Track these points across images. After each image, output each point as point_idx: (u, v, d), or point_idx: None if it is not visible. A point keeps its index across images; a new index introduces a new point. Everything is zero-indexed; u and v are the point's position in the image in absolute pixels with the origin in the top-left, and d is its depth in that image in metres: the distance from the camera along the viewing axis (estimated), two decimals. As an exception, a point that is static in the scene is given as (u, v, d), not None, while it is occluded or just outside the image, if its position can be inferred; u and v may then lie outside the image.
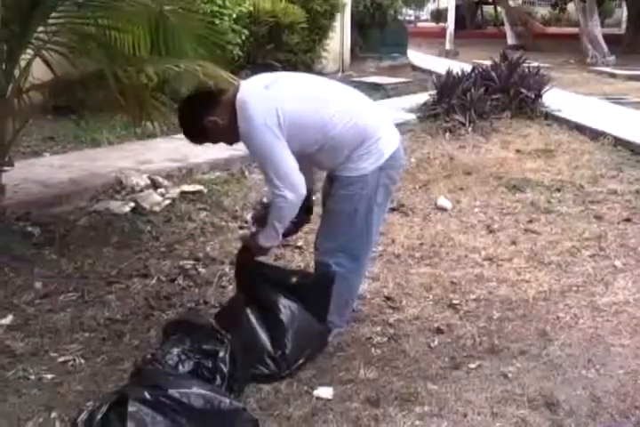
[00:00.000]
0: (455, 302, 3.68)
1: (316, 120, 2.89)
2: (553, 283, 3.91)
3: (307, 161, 2.96)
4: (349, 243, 3.06)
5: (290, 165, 2.82)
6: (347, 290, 3.20)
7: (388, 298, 3.72)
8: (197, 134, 3.00)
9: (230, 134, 2.91)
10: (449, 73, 8.18)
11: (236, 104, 2.83)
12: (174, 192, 5.16)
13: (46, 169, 5.57)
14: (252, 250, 3.07)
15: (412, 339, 3.32)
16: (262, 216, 3.09)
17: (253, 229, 3.28)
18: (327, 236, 3.10)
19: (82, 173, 5.45)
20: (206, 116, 2.86)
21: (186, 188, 5.23)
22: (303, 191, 2.85)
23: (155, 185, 5.23)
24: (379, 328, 3.41)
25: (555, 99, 8.35)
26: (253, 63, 9.14)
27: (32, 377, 3.01)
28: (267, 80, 2.94)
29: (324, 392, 2.88)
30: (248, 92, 2.87)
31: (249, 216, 3.29)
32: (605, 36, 16.08)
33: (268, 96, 2.84)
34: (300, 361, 3.01)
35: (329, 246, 3.09)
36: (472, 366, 3.07)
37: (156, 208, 4.91)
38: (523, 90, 8.01)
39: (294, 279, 3.16)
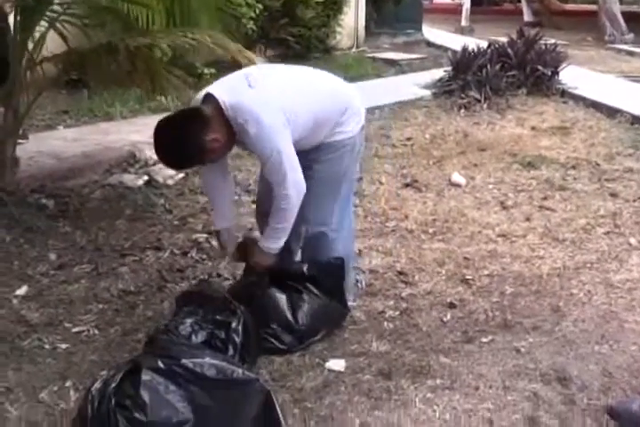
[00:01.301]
0: (468, 277, 3.67)
1: (307, 106, 2.87)
2: (567, 259, 3.89)
3: (300, 146, 2.91)
4: (338, 206, 3.08)
5: (298, 165, 2.80)
6: (342, 250, 3.19)
7: (400, 273, 3.72)
8: (197, 159, 2.78)
9: (228, 146, 2.84)
10: (464, 49, 8.09)
11: (227, 113, 2.68)
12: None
13: (60, 142, 5.58)
14: (258, 260, 3.00)
15: (425, 313, 3.32)
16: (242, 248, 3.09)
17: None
18: (318, 205, 3.02)
19: (95, 146, 5.45)
20: (204, 136, 2.66)
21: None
22: (304, 191, 2.83)
23: (168, 159, 5.22)
24: (391, 302, 3.42)
25: (571, 76, 8.25)
26: (267, 38, 9.08)
27: (47, 347, 3.04)
28: (243, 80, 2.80)
29: (336, 365, 2.90)
30: (236, 96, 2.71)
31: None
32: (624, 14, 15.81)
33: (263, 96, 2.74)
34: (318, 337, 3.02)
35: (321, 215, 3.07)
36: (484, 340, 3.07)
37: (170, 182, 4.92)
38: (539, 67, 7.91)
39: (305, 271, 3.13)
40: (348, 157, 3.03)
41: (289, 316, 2.98)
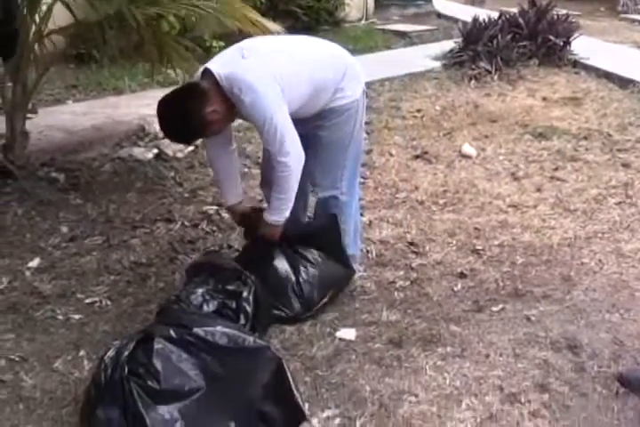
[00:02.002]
0: (479, 247, 3.67)
1: (303, 73, 2.85)
2: (578, 229, 3.87)
3: (301, 114, 2.91)
4: (346, 169, 3.10)
5: (294, 132, 2.78)
6: (354, 214, 3.24)
7: (411, 243, 3.72)
8: (200, 132, 2.84)
9: (228, 118, 2.85)
10: (475, 20, 7.97)
11: (223, 84, 2.71)
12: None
13: (69, 116, 5.57)
14: (265, 232, 3.02)
15: (435, 283, 3.33)
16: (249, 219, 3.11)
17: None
18: (327, 170, 3.08)
19: (105, 120, 5.44)
20: (204, 109, 2.71)
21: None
22: (303, 159, 2.83)
23: (177, 132, 5.21)
24: (401, 273, 3.42)
25: (583, 46, 8.13)
26: (275, 10, 8.98)
27: (60, 317, 3.08)
28: (236, 52, 2.82)
29: (347, 334, 2.91)
30: (230, 67, 2.73)
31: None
32: (638, -17, 15.57)
33: (255, 64, 2.75)
34: (325, 300, 3.03)
35: (331, 179, 3.10)
36: (495, 309, 3.08)
37: (179, 155, 4.92)
38: (551, 37, 7.80)
39: (302, 231, 3.16)
40: (353, 121, 3.03)
41: (293, 282, 3.00)
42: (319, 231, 3.12)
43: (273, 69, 2.74)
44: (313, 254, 3.08)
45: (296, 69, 2.83)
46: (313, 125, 2.99)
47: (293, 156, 2.79)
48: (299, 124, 2.86)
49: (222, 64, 2.77)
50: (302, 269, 3.02)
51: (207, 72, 2.76)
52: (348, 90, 2.98)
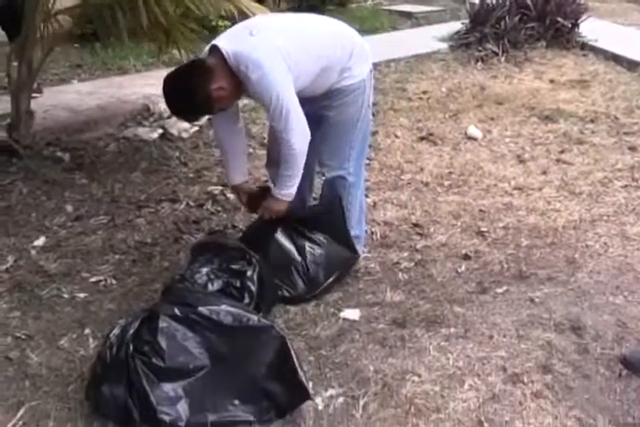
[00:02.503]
0: (483, 229, 3.67)
1: (310, 51, 2.83)
2: (583, 212, 3.87)
3: (307, 93, 2.90)
4: (353, 149, 3.09)
5: (300, 110, 2.77)
6: (360, 195, 3.25)
7: (415, 225, 3.72)
8: (205, 108, 2.80)
9: (235, 95, 2.83)
10: (483, 1, 7.89)
11: (230, 61, 2.69)
12: (202, 119, 5.13)
13: (75, 96, 5.56)
14: (272, 207, 3.03)
15: (440, 264, 3.33)
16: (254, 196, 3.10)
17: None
18: (334, 150, 3.08)
19: (110, 99, 5.44)
20: (210, 85, 2.68)
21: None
22: (309, 138, 2.82)
23: (182, 112, 5.20)
24: (406, 254, 3.43)
25: (592, 28, 8.06)
26: (281, -10, 8.93)
27: (65, 296, 3.09)
28: (244, 29, 2.80)
29: (351, 314, 2.92)
30: (238, 44, 2.71)
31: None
32: (648, -35, 15.40)
33: (263, 42, 2.72)
34: (330, 280, 3.04)
35: (338, 160, 3.09)
36: (499, 290, 3.09)
37: (184, 135, 4.91)
38: (559, 19, 7.73)
39: (307, 213, 3.19)
40: (360, 101, 3.01)
41: (299, 262, 3.00)
42: (324, 215, 3.12)
43: (280, 47, 2.72)
44: (318, 236, 3.08)
45: (304, 47, 2.81)
46: (320, 105, 2.97)
47: (299, 133, 2.78)
48: (306, 103, 2.85)
49: (230, 41, 2.74)
50: (308, 249, 3.03)
51: (214, 49, 2.74)
52: (355, 70, 2.96)
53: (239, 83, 2.75)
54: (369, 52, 3.05)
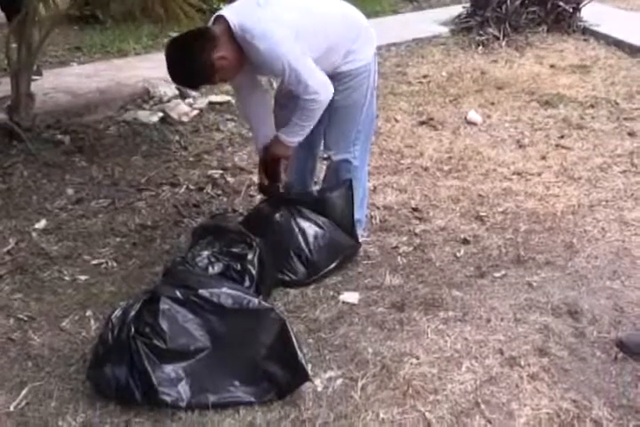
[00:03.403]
0: (482, 214, 3.68)
1: (317, 26, 2.83)
2: (582, 197, 3.88)
3: None
4: (359, 133, 3.10)
5: (315, 69, 2.76)
6: (363, 179, 3.27)
7: (414, 209, 3.73)
8: (206, 76, 2.77)
9: (238, 66, 2.81)
10: (484, -16, 7.87)
11: (236, 32, 2.68)
12: (202, 102, 5.13)
13: (74, 79, 5.54)
14: (274, 150, 3.01)
15: (438, 249, 3.35)
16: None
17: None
18: (340, 134, 3.08)
19: (110, 82, 5.42)
20: (212, 53, 2.67)
21: (214, 98, 5.18)
22: (332, 89, 2.82)
23: (182, 95, 5.19)
24: (405, 238, 3.44)
25: (593, 13, 8.00)
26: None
27: (67, 278, 3.12)
28: (250, 1, 2.77)
29: (350, 297, 2.95)
30: (245, 15, 2.70)
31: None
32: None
33: (271, 13, 2.71)
34: (331, 266, 3.06)
35: (344, 143, 3.10)
36: (497, 275, 3.11)
37: (185, 118, 4.90)
38: (560, 3, 7.67)
39: (315, 196, 3.19)
40: (365, 85, 3.02)
41: (303, 247, 3.01)
42: (332, 199, 3.12)
43: (289, 18, 2.72)
44: (323, 221, 3.09)
45: (311, 23, 2.80)
46: None
47: (322, 91, 2.78)
48: None
49: (236, 12, 2.73)
50: (311, 233, 3.03)
51: (220, 19, 2.73)
52: (360, 53, 2.96)
53: (243, 54, 2.74)
54: (374, 36, 3.06)
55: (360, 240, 3.31)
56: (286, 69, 2.70)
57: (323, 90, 2.78)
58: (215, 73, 2.74)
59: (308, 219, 3.07)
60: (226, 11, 2.76)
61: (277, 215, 3.05)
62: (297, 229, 3.03)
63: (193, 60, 2.68)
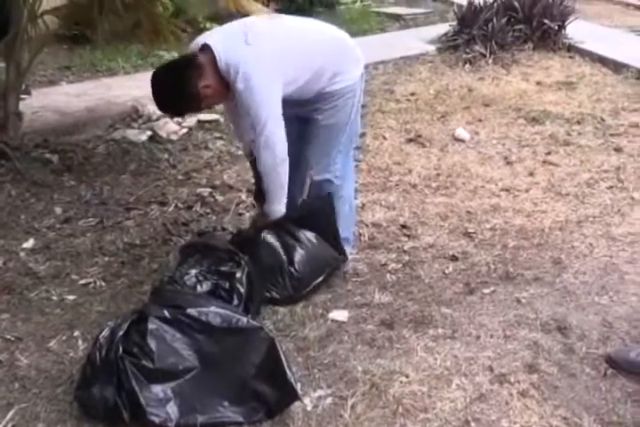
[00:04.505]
0: (470, 230, 3.69)
1: (305, 60, 2.86)
2: (569, 213, 3.90)
3: (296, 96, 2.91)
4: (340, 152, 3.10)
5: (282, 132, 2.78)
6: (348, 197, 3.27)
7: (403, 226, 3.74)
8: (192, 105, 2.82)
9: (222, 94, 2.83)
10: (470, 3, 7.92)
11: (220, 67, 2.70)
12: (191, 121, 5.14)
13: (63, 98, 5.56)
14: (257, 223, 3.11)
15: (427, 266, 3.35)
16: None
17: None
18: (322, 154, 3.07)
19: (98, 101, 5.43)
20: (197, 82, 2.71)
21: (202, 117, 5.19)
22: (283, 157, 2.82)
23: (171, 114, 5.21)
24: (394, 255, 3.45)
25: (578, 30, 8.10)
26: (270, -10, 8.93)
27: (54, 298, 3.10)
28: (240, 34, 2.77)
29: (340, 315, 2.94)
30: (232, 52, 2.72)
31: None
32: (634, -33, 15.49)
33: (256, 53, 2.72)
34: (318, 281, 3.05)
35: (325, 162, 3.09)
36: (486, 291, 3.11)
37: (173, 137, 4.91)
38: (546, 21, 7.77)
39: (298, 211, 3.17)
40: (350, 104, 3.03)
41: (286, 263, 3.01)
42: (313, 213, 3.13)
43: (275, 58, 2.74)
44: (306, 235, 3.09)
45: (299, 55, 2.83)
46: (310, 109, 2.99)
47: (272, 152, 2.79)
48: (295, 106, 2.88)
49: (223, 46, 2.73)
50: (295, 249, 3.03)
51: (207, 48, 2.74)
52: (347, 73, 2.98)
53: (227, 84, 2.76)
54: (361, 57, 3.07)
55: (349, 258, 3.31)
56: (256, 117, 2.73)
57: (274, 151, 2.79)
58: (201, 101, 2.78)
59: (292, 235, 3.07)
60: (213, 40, 2.76)
61: (262, 232, 3.04)
62: (282, 245, 3.02)
63: (180, 90, 2.71)
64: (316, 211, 3.12)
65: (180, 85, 2.70)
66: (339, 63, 2.95)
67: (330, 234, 3.14)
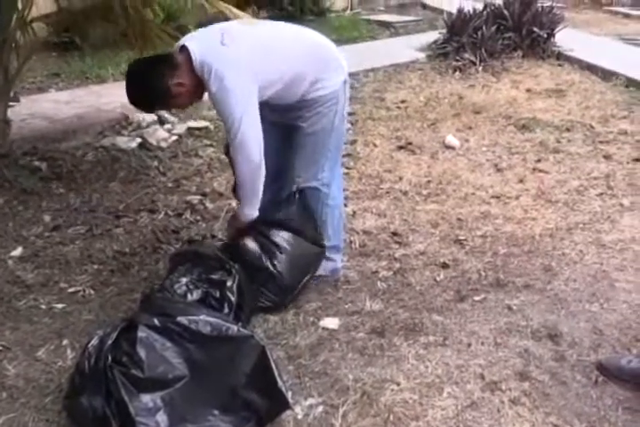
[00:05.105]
0: (461, 238, 3.69)
1: (282, 63, 2.85)
2: (559, 220, 3.91)
3: (276, 101, 2.92)
4: (328, 160, 3.08)
5: (257, 131, 2.76)
6: (337, 205, 3.24)
7: (394, 234, 3.74)
8: (160, 101, 2.81)
9: (194, 95, 2.84)
10: (460, 11, 7.97)
11: (195, 66, 2.71)
12: (181, 128, 5.14)
13: (52, 105, 5.54)
14: (230, 224, 3.10)
15: (418, 273, 3.35)
16: None
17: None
18: (308, 161, 3.06)
19: (88, 108, 5.42)
20: (170, 79, 2.72)
21: (192, 124, 5.20)
22: (259, 161, 2.80)
23: (161, 121, 5.20)
24: (385, 263, 3.44)
25: (567, 39, 8.16)
26: (260, -1, 8.97)
27: (43, 307, 3.07)
28: (217, 36, 2.79)
29: (330, 323, 2.93)
30: (207, 52, 2.73)
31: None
32: (622, -24, 15.62)
33: (233, 55, 2.73)
34: (304, 281, 3.04)
35: (312, 170, 3.08)
36: (477, 298, 3.11)
37: (163, 144, 4.90)
38: (535, 29, 7.82)
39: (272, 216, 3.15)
40: (333, 112, 3.00)
41: (269, 266, 2.97)
42: (286, 213, 3.08)
43: (249, 60, 2.73)
44: (283, 238, 3.03)
45: (276, 59, 2.82)
46: (293, 116, 2.98)
47: (247, 156, 2.77)
48: (279, 113, 2.90)
49: (200, 46, 2.75)
50: (275, 254, 2.99)
51: (184, 49, 2.75)
52: (328, 80, 2.96)
53: (201, 85, 2.76)
54: (344, 64, 3.05)
55: (340, 265, 3.30)
56: (229, 119, 2.72)
57: (248, 155, 2.77)
58: (170, 98, 2.78)
59: (271, 240, 3.02)
60: (190, 42, 2.77)
61: (245, 239, 3.01)
62: (263, 252, 3.00)
63: (151, 85, 2.73)
64: (292, 209, 3.08)
65: (153, 80, 2.73)
66: (320, 69, 2.93)
67: (309, 230, 3.09)
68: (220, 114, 2.78)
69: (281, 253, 3.00)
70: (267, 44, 2.86)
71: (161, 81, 2.71)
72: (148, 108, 2.95)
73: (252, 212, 2.94)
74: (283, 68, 2.84)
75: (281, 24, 3.14)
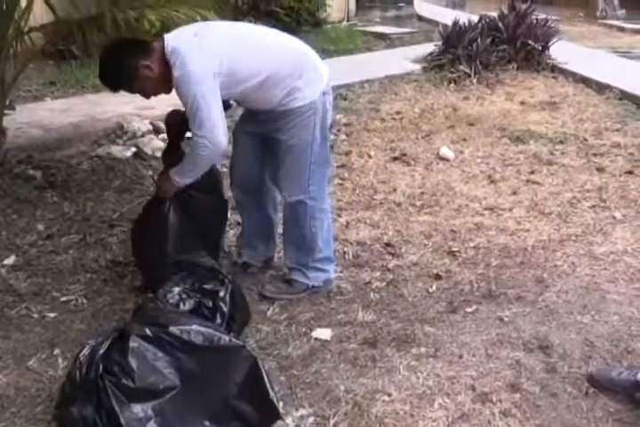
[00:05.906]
0: (454, 249, 3.70)
1: (252, 62, 2.88)
2: (552, 232, 3.92)
3: (252, 104, 2.99)
4: (314, 173, 3.08)
5: (219, 116, 2.78)
6: (325, 218, 3.23)
7: (387, 245, 3.75)
8: (126, 79, 2.84)
9: (161, 84, 2.87)
10: (455, 23, 8.04)
11: (167, 53, 2.77)
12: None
13: (48, 113, 5.55)
14: (160, 183, 3.10)
15: (411, 284, 3.36)
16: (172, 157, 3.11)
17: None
18: (292, 175, 3.07)
19: (83, 117, 5.43)
20: (140, 60, 2.78)
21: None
22: (224, 146, 2.83)
23: (156, 130, 5.21)
24: (377, 274, 3.45)
25: (562, 51, 8.23)
26: (257, 10, 9.01)
27: (35, 315, 3.07)
28: (193, 29, 2.93)
29: (323, 333, 2.94)
30: (179, 40, 2.80)
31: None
32: (616, -11, 15.73)
33: (201, 43, 2.79)
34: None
35: (297, 184, 3.08)
36: (469, 310, 3.12)
37: (158, 153, 4.87)
38: (530, 41, 7.88)
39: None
40: (312, 123, 2.99)
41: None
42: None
43: (217, 51, 2.79)
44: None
45: (246, 56, 2.86)
46: (272, 128, 3.00)
47: (210, 138, 2.78)
48: (257, 125, 2.99)
49: (175, 36, 2.85)
50: (185, 211, 3.09)
51: (162, 39, 2.84)
52: (305, 90, 2.94)
53: (169, 76, 2.79)
54: (325, 75, 3.03)
55: (333, 275, 3.31)
56: (188, 102, 2.76)
57: (212, 137, 2.78)
58: (136, 80, 2.82)
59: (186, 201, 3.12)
60: (170, 34, 2.88)
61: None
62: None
63: (121, 59, 2.80)
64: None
65: (123, 56, 2.80)
66: (297, 78, 2.92)
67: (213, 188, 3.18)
68: (181, 96, 2.80)
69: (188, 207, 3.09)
70: (241, 39, 2.92)
71: (131, 59, 2.79)
72: (113, 86, 2.95)
73: (184, 181, 2.98)
74: (257, 64, 2.87)
75: (264, 27, 3.19)
